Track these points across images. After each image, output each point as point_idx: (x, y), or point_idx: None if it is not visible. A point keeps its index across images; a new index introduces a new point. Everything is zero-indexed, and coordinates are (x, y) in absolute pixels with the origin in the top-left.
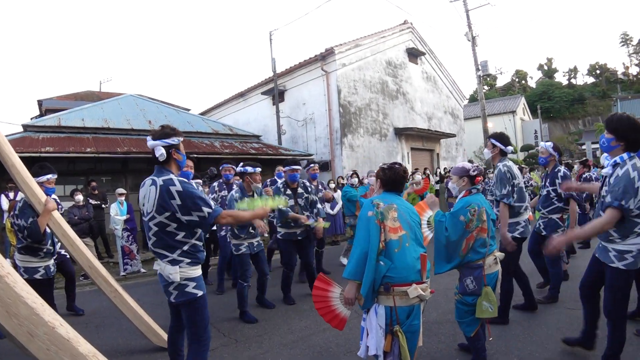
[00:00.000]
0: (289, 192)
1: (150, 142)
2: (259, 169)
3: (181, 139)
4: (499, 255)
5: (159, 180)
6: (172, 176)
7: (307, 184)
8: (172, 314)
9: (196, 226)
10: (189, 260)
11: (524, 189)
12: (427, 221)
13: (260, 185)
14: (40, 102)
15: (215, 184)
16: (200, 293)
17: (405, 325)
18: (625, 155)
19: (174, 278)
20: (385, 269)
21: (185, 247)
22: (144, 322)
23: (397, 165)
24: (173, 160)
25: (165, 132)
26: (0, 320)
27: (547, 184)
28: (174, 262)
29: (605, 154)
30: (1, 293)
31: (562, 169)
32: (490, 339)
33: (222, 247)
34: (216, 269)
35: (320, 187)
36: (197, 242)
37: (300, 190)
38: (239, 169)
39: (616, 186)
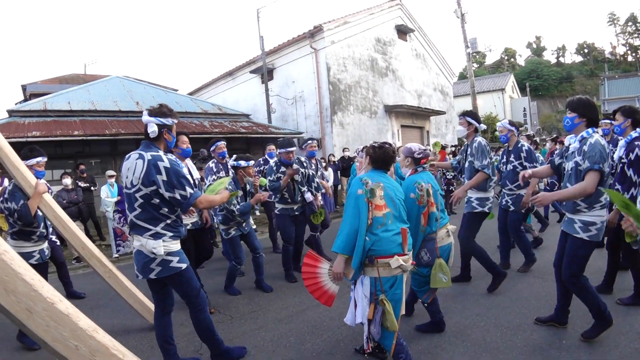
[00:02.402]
0: (282, 170)
1: (145, 118)
2: (252, 162)
3: (175, 121)
4: (451, 228)
5: (147, 155)
6: (160, 153)
7: (302, 158)
8: (155, 296)
9: (176, 204)
10: (171, 234)
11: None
12: None
13: (251, 179)
14: (24, 87)
15: (212, 164)
16: (184, 266)
17: (389, 294)
18: (590, 130)
19: (158, 252)
20: (370, 243)
21: (169, 221)
22: (139, 301)
23: (387, 145)
24: (163, 140)
25: (162, 111)
26: None
27: (511, 159)
28: (156, 236)
29: (569, 136)
30: None
31: (526, 143)
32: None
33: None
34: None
35: (319, 165)
36: (178, 218)
37: (295, 166)
38: (231, 162)
39: (592, 152)
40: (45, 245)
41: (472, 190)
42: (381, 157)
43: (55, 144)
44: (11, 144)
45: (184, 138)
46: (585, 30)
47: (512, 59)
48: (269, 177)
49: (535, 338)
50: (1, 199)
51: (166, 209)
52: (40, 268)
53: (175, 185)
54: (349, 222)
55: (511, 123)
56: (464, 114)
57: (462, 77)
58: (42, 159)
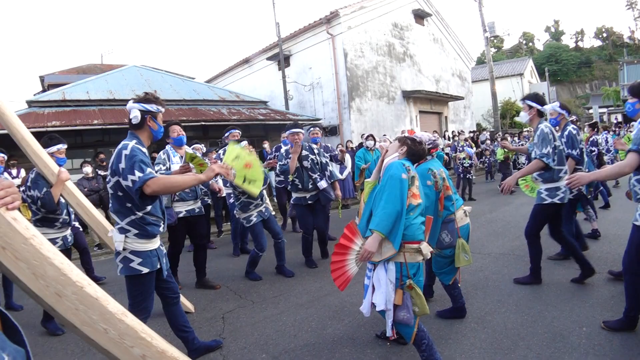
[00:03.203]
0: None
1: (128, 105)
2: (244, 143)
3: (162, 110)
4: (467, 209)
5: (121, 145)
6: (132, 142)
7: (313, 146)
8: (156, 290)
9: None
10: (136, 232)
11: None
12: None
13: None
14: (42, 78)
15: (221, 151)
16: (145, 270)
17: (414, 281)
18: None
19: (117, 247)
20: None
21: (134, 217)
22: None
23: (425, 145)
24: (147, 127)
25: (146, 97)
26: (27, 282)
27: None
28: (121, 231)
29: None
30: (27, 255)
31: (570, 127)
32: (459, 284)
33: (233, 214)
34: (229, 235)
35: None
36: (147, 216)
37: (304, 152)
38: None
39: (637, 134)
40: (69, 232)
41: (539, 181)
42: (419, 151)
43: (75, 133)
44: (31, 134)
45: (176, 127)
46: (604, 14)
47: (531, 44)
48: (280, 162)
49: (556, 325)
50: (23, 187)
51: (129, 204)
52: (63, 254)
53: (128, 171)
54: (391, 202)
55: (562, 106)
56: (525, 98)
57: (480, 62)
58: (62, 146)
